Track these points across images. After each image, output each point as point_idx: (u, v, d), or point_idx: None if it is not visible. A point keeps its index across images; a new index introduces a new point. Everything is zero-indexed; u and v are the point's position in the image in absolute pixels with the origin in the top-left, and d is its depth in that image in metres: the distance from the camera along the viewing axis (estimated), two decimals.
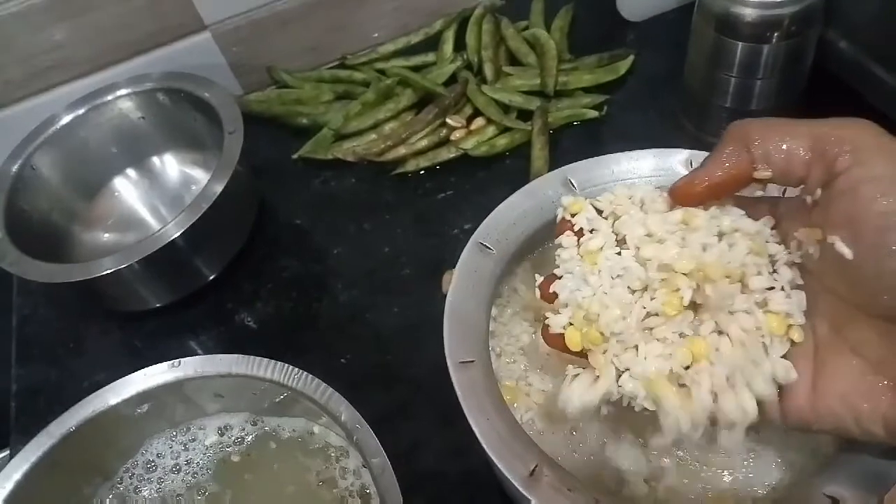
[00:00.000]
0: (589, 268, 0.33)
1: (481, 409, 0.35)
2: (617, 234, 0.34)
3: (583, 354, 0.33)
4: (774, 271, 0.32)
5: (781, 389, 0.31)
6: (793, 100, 0.55)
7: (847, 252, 0.28)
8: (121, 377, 0.43)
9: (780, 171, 0.30)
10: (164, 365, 0.42)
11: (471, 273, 0.40)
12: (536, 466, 0.33)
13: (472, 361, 0.36)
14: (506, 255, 0.41)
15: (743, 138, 0.30)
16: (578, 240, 0.35)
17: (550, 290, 0.34)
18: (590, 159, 0.44)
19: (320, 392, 0.39)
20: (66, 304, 0.63)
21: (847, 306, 0.30)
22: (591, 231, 0.35)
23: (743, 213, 0.32)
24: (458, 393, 0.35)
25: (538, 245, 0.44)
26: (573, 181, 0.43)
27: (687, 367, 0.31)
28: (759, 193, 0.33)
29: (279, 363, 0.41)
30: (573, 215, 0.36)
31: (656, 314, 0.31)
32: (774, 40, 0.50)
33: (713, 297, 0.30)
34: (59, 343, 0.60)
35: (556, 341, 0.33)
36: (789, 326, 0.31)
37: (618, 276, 0.32)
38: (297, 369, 0.40)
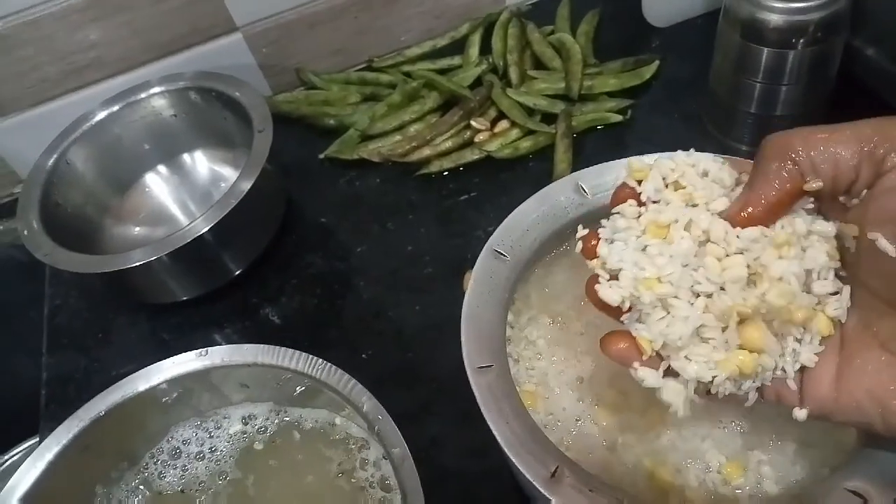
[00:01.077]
0: (654, 241, 0.32)
1: (501, 414, 0.35)
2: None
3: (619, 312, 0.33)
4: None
5: (803, 377, 0.31)
6: (818, 106, 0.55)
7: (891, 249, 0.28)
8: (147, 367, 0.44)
9: (830, 180, 0.29)
10: (192, 353, 0.43)
11: (486, 279, 0.41)
12: (557, 468, 0.33)
13: (491, 366, 0.37)
14: (520, 261, 0.42)
15: (784, 151, 0.29)
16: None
17: (596, 249, 0.33)
18: (600, 164, 0.44)
19: (343, 383, 0.40)
20: (96, 295, 0.64)
21: (879, 302, 0.30)
22: (654, 202, 0.33)
23: (815, 212, 0.31)
24: (478, 398, 0.36)
25: (550, 250, 0.45)
26: (584, 186, 0.44)
27: None
28: (811, 206, 0.31)
29: (303, 354, 0.41)
30: (638, 182, 0.34)
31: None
32: (800, 46, 0.50)
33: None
34: (88, 333, 0.62)
35: (599, 300, 0.33)
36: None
37: (686, 265, 0.31)
38: (320, 360, 0.41)
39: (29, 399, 0.72)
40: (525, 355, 0.43)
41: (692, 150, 0.35)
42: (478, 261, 0.41)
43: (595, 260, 0.34)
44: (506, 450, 0.34)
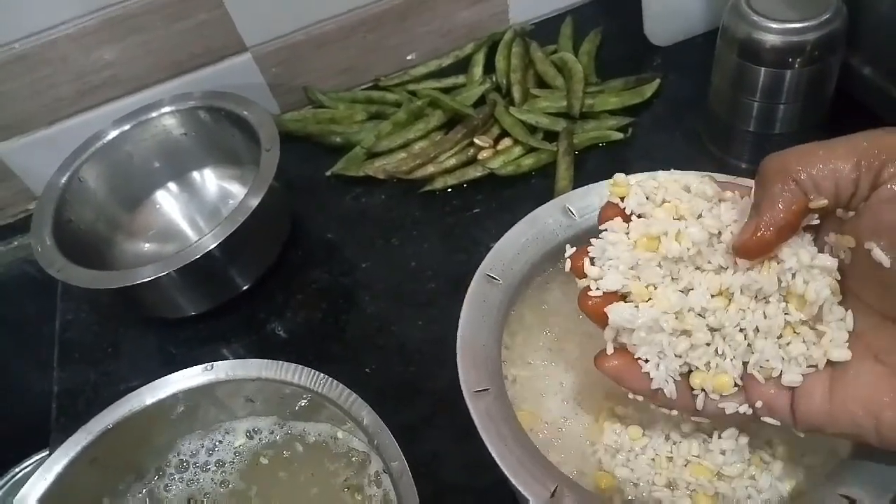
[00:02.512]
0: (643, 255, 0.33)
1: (500, 436, 0.36)
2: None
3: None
4: None
5: (795, 391, 0.31)
6: (815, 124, 0.56)
7: (885, 260, 0.28)
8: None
9: (832, 195, 0.29)
10: (198, 368, 0.44)
11: (480, 304, 0.41)
12: (557, 488, 0.33)
13: (487, 390, 0.37)
14: (512, 284, 0.43)
15: (784, 172, 0.29)
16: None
17: (583, 268, 0.35)
18: (586, 186, 0.45)
19: (344, 397, 0.41)
20: (106, 309, 0.65)
21: (872, 313, 0.30)
22: (638, 216, 0.35)
23: (812, 243, 0.32)
24: (476, 422, 0.36)
25: (541, 272, 0.45)
26: (571, 209, 0.44)
27: None
28: (816, 221, 0.32)
29: (306, 368, 0.42)
30: (621, 199, 0.35)
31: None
32: (797, 66, 0.51)
33: None
34: (98, 347, 0.63)
35: (593, 310, 0.34)
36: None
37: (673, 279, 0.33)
38: (322, 374, 0.42)
39: (40, 412, 0.73)
40: (522, 375, 0.44)
41: (673, 170, 0.36)
42: (471, 285, 0.42)
43: (584, 279, 0.35)
44: (505, 472, 0.34)
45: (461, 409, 0.52)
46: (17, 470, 0.84)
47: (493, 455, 0.35)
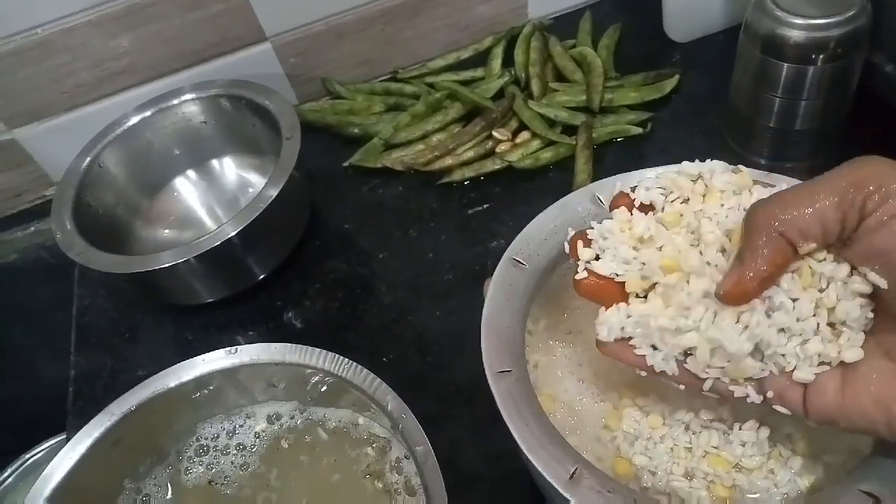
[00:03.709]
0: (641, 252, 0.35)
1: (521, 417, 0.36)
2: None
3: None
4: None
5: (807, 387, 0.32)
6: (837, 121, 0.56)
7: (882, 282, 0.30)
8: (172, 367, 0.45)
9: (821, 238, 0.30)
10: (222, 351, 0.44)
11: (505, 287, 0.41)
12: (576, 469, 0.33)
13: (510, 371, 0.38)
14: (538, 269, 0.42)
15: (769, 223, 0.30)
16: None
17: (578, 250, 0.36)
18: (616, 175, 0.45)
19: (368, 382, 0.41)
20: (124, 295, 0.66)
21: (884, 314, 0.31)
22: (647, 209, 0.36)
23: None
24: (498, 401, 0.36)
25: (566, 259, 0.45)
26: (601, 197, 0.44)
27: None
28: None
29: (330, 353, 0.42)
30: (632, 188, 0.37)
31: None
32: (820, 62, 0.51)
33: None
34: (115, 332, 0.63)
35: (587, 289, 0.36)
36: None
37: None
38: (346, 359, 0.42)
39: (52, 398, 0.74)
40: (543, 361, 0.44)
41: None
42: (497, 269, 0.42)
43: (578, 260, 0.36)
44: (525, 451, 0.34)
45: (479, 399, 0.52)
46: (28, 455, 0.84)
47: (514, 435, 0.35)
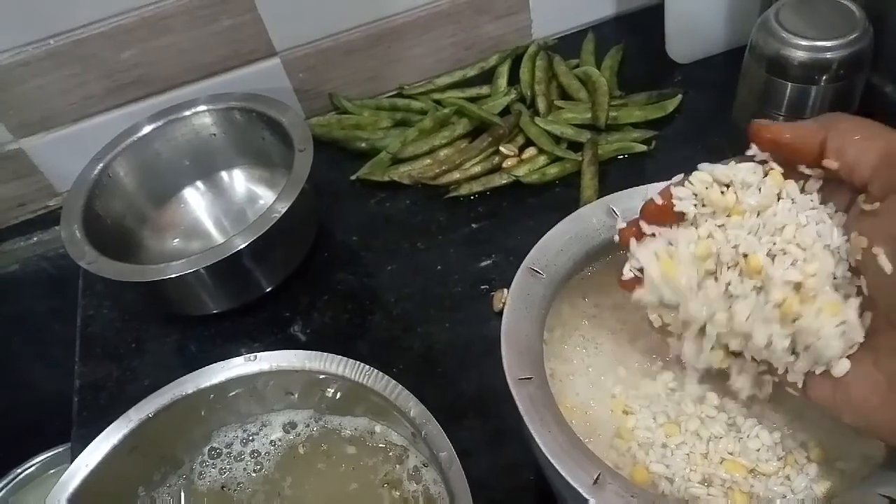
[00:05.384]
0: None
1: (543, 423, 0.36)
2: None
3: None
4: None
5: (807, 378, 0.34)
6: None
7: (888, 267, 0.29)
8: (178, 377, 0.44)
9: (847, 166, 0.30)
10: (241, 358, 0.44)
11: (523, 296, 0.42)
12: (600, 474, 0.34)
13: (530, 378, 0.38)
14: (554, 279, 0.43)
15: (828, 123, 0.31)
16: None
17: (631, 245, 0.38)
18: (630, 189, 0.46)
19: (389, 389, 0.41)
20: (129, 306, 0.65)
21: (879, 315, 0.31)
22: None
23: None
24: (520, 408, 0.36)
25: (582, 269, 0.46)
26: (615, 210, 0.46)
27: None
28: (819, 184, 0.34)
29: (350, 360, 0.43)
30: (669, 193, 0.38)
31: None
32: (823, 82, 0.53)
33: None
34: (121, 343, 0.63)
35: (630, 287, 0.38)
36: None
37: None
38: (366, 366, 0.42)
39: (48, 410, 0.73)
40: (559, 370, 0.45)
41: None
42: (515, 278, 0.43)
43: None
44: (549, 457, 0.35)
45: (490, 410, 0.53)
46: (20, 469, 0.83)
47: (537, 440, 0.35)
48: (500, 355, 0.55)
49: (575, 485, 0.34)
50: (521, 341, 0.40)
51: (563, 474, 0.34)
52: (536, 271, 0.43)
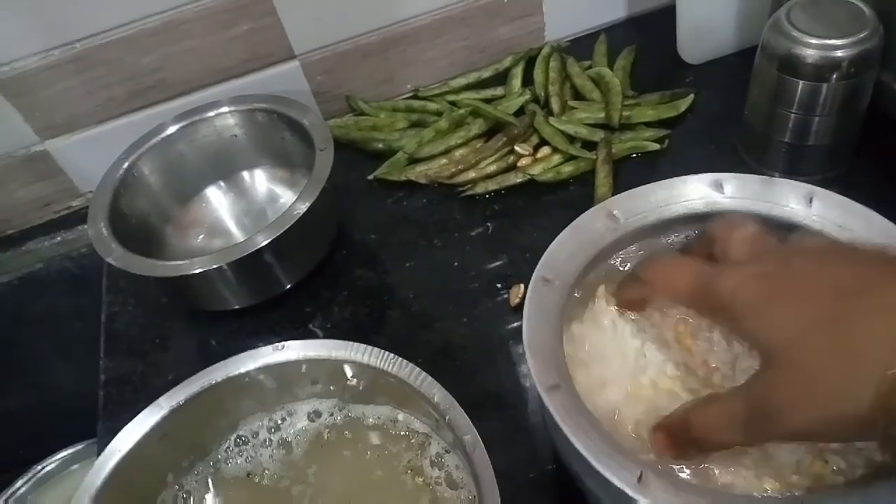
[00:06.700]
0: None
1: (579, 427, 0.36)
2: None
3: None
4: None
5: None
6: (848, 137, 0.58)
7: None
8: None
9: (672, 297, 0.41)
10: (269, 347, 0.45)
11: (539, 305, 0.42)
12: (642, 473, 0.34)
13: (559, 385, 0.38)
14: (566, 284, 0.44)
15: (645, 275, 0.41)
16: None
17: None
18: (629, 191, 0.47)
19: (414, 376, 0.42)
20: (152, 302, 0.67)
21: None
22: None
23: None
24: (555, 415, 0.37)
25: (590, 273, 0.46)
26: (616, 213, 0.46)
27: None
28: None
29: (375, 348, 0.44)
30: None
31: None
32: (833, 80, 0.54)
33: None
34: (145, 338, 0.64)
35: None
36: None
37: None
38: (391, 354, 0.43)
39: (69, 408, 0.74)
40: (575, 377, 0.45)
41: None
42: (528, 289, 0.43)
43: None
44: (591, 461, 0.35)
45: (508, 402, 0.54)
46: (40, 466, 0.84)
47: (576, 445, 0.35)
48: (514, 351, 0.57)
49: (621, 485, 0.34)
50: (545, 349, 0.40)
51: (608, 476, 0.34)
52: (548, 279, 0.43)
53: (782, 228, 0.44)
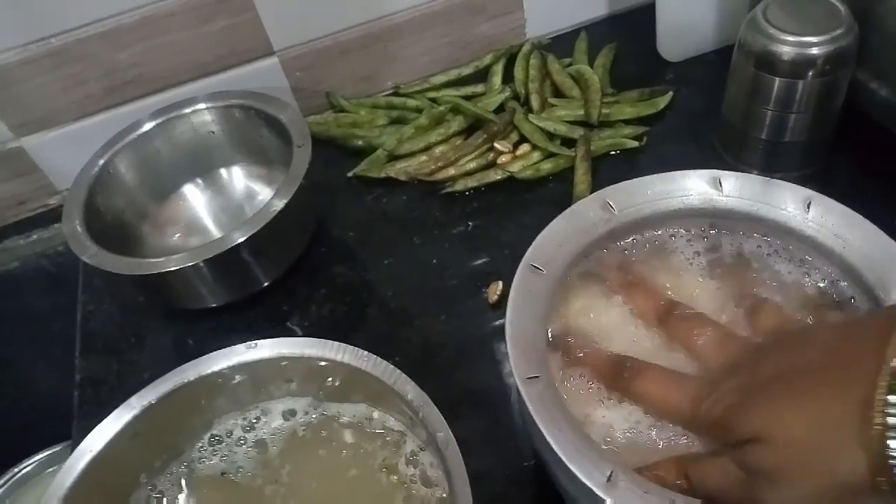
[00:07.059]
0: None
1: (553, 421, 0.36)
2: None
3: None
4: None
5: None
6: (824, 134, 0.59)
7: None
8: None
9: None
10: (242, 346, 0.45)
11: (525, 293, 0.42)
12: (612, 472, 0.34)
13: (538, 377, 0.38)
14: (555, 274, 0.43)
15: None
16: None
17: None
18: (626, 182, 0.47)
19: (388, 373, 0.42)
20: (128, 301, 0.66)
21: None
22: None
23: None
24: (530, 407, 0.36)
25: (580, 263, 0.46)
26: (611, 203, 0.46)
27: None
28: None
29: (349, 346, 0.44)
30: None
31: None
32: (809, 77, 0.54)
33: None
34: (121, 337, 0.64)
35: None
36: None
37: None
38: (365, 352, 0.43)
39: (47, 408, 0.73)
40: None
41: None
42: (516, 276, 0.43)
43: None
44: (562, 456, 0.35)
45: (487, 400, 0.54)
46: (17, 469, 0.83)
47: (549, 440, 0.35)
48: (495, 349, 0.56)
49: (588, 483, 0.34)
50: (526, 339, 0.40)
51: (576, 472, 0.34)
52: (537, 267, 0.43)
53: (778, 231, 0.44)
